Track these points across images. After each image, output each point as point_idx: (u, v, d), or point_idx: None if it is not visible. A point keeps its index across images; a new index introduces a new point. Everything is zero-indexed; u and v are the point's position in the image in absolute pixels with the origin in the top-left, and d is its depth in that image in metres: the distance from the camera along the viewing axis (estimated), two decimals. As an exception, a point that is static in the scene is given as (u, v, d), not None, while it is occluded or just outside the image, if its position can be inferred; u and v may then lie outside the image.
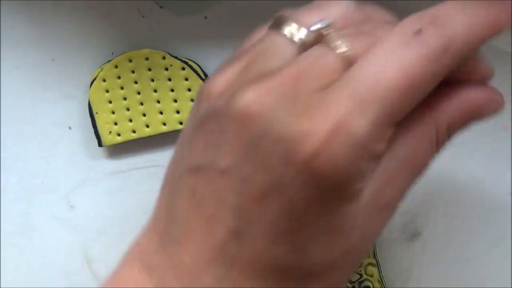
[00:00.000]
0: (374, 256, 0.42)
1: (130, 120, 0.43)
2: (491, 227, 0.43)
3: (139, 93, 0.42)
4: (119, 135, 0.43)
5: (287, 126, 0.23)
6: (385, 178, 0.25)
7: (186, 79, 0.42)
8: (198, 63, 0.43)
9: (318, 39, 0.25)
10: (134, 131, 0.43)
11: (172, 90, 0.42)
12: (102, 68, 0.42)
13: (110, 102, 0.43)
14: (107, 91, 0.42)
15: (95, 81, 0.42)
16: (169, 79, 0.42)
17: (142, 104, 0.43)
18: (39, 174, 0.45)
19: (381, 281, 0.42)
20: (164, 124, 0.43)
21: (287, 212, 0.23)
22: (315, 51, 0.25)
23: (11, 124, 0.44)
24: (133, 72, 0.42)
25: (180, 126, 0.43)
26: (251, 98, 0.23)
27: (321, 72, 0.24)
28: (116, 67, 0.42)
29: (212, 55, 0.43)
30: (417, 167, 0.27)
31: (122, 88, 0.42)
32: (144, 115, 0.43)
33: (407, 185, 0.27)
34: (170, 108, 0.42)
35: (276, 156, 0.23)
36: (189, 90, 0.42)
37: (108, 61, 0.42)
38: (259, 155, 0.23)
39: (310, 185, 0.23)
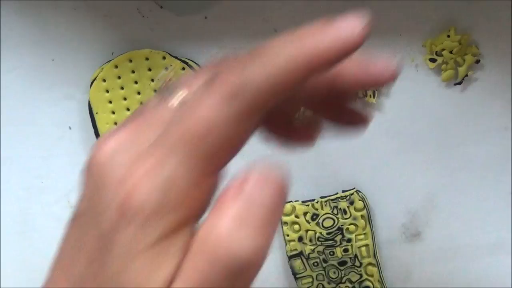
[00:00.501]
0: (374, 256, 0.42)
1: (130, 120, 0.43)
2: (491, 227, 0.43)
3: (139, 93, 0.42)
4: (119, 135, 0.43)
5: (114, 172, 0.26)
6: None
7: (186, 79, 0.42)
8: (198, 63, 0.43)
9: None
10: (134, 131, 0.43)
11: (172, 90, 0.42)
12: (102, 68, 0.42)
13: (110, 102, 0.43)
14: (107, 91, 0.42)
15: (95, 81, 0.42)
16: (169, 79, 0.42)
17: (142, 104, 0.43)
18: (39, 174, 0.45)
19: (381, 281, 0.42)
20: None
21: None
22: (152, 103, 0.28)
23: (11, 124, 0.44)
24: (133, 72, 0.42)
25: (180, 126, 0.43)
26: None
27: (152, 123, 0.27)
28: (116, 67, 0.42)
29: (212, 55, 0.43)
30: None
31: (122, 88, 0.42)
32: (144, 115, 0.43)
33: None
34: (170, 108, 0.42)
35: (105, 195, 0.26)
36: (189, 90, 0.42)
37: (108, 61, 0.42)
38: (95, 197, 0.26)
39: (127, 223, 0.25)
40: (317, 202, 0.42)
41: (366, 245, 0.42)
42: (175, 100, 0.27)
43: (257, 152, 0.44)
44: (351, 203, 0.42)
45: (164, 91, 0.28)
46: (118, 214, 0.25)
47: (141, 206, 0.25)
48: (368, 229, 0.41)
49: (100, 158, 0.27)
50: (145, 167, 0.25)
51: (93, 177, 0.27)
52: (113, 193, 0.26)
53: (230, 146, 0.27)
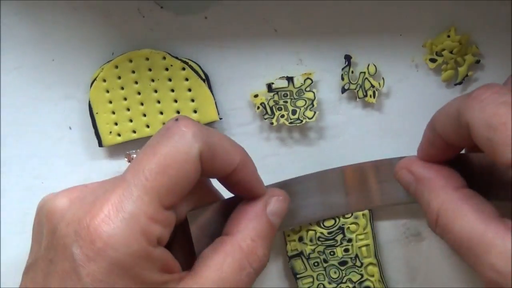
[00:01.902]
0: (375, 255, 0.42)
1: (131, 120, 0.43)
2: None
3: (139, 93, 0.42)
4: (119, 135, 0.43)
5: (76, 212, 0.30)
6: None
7: (186, 79, 0.42)
8: (198, 63, 0.43)
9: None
10: (134, 131, 0.43)
11: (172, 90, 0.42)
12: (102, 68, 0.42)
13: (111, 102, 0.43)
14: (108, 91, 0.42)
15: (95, 81, 0.42)
16: (169, 79, 0.42)
17: (142, 104, 0.43)
18: (39, 174, 0.45)
19: (382, 281, 0.42)
20: (164, 124, 0.43)
21: None
22: None
23: (11, 124, 0.44)
24: (133, 72, 0.42)
25: (180, 126, 0.42)
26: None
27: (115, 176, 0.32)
28: (117, 67, 0.42)
29: (212, 55, 0.43)
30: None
31: (122, 88, 0.42)
32: (145, 115, 0.43)
33: None
34: (171, 108, 0.42)
35: (69, 236, 0.29)
36: (189, 90, 0.42)
37: (108, 61, 0.42)
38: (58, 237, 0.30)
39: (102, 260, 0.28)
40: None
41: (367, 245, 0.42)
42: None
43: (257, 152, 0.44)
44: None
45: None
46: (86, 246, 0.28)
47: (108, 236, 0.28)
48: (369, 228, 0.41)
49: (55, 209, 0.31)
50: (108, 204, 0.28)
51: (49, 224, 0.30)
52: (78, 230, 0.28)
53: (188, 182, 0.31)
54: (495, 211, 0.30)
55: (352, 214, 0.42)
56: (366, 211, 0.41)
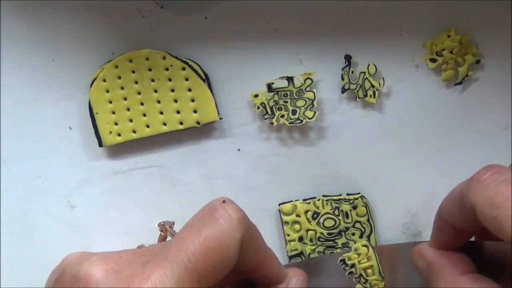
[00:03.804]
0: (380, 274, 0.42)
1: (131, 120, 0.43)
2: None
3: (139, 93, 0.42)
4: (119, 135, 0.43)
5: (113, 285, 0.30)
6: None
7: (187, 79, 0.42)
8: (198, 63, 0.43)
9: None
10: (134, 131, 0.43)
11: (173, 90, 0.42)
12: (102, 68, 0.42)
13: (111, 102, 0.43)
14: (108, 91, 0.42)
15: (95, 81, 0.42)
16: (170, 79, 0.42)
17: (142, 104, 0.43)
18: (39, 174, 0.45)
19: (381, 281, 0.42)
20: (165, 124, 0.43)
21: None
22: None
23: (11, 124, 0.44)
24: (133, 72, 0.42)
25: (180, 126, 0.42)
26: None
27: (151, 249, 0.32)
28: (117, 67, 0.42)
29: (212, 55, 0.43)
30: None
31: (122, 88, 0.42)
32: (145, 115, 0.43)
33: None
34: (171, 108, 0.42)
35: None
36: (190, 90, 0.42)
37: (108, 61, 0.42)
38: None
39: None
40: (318, 200, 0.42)
41: (371, 266, 0.41)
42: None
43: (257, 152, 0.44)
44: (354, 207, 0.42)
45: None
46: None
47: None
48: (371, 252, 0.41)
49: (89, 277, 0.30)
50: (149, 282, 0.29)
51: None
52: None
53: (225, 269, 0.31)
54: None
55: (352, 220, 0.42)
56: (365, 242, 0.41)
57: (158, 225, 0.37)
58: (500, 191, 0.28)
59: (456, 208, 0.32)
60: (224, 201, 0.31)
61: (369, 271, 0.41)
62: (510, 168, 0.30)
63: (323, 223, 0.42)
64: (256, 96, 0.42)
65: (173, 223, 0.37)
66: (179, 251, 0.30)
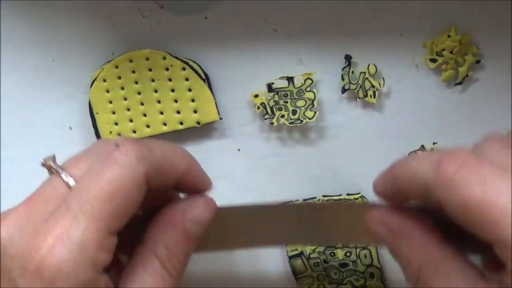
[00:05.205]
0: (378, 261, 0.42)
1: (131, 120, 0.43)
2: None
3: (139, 93, 0.42)
4: (119, 135, 0.43)
5: (18, 246, 0.29)
6: None
7: (187, 79, 0.42)
8: (198, 63, 0.43)
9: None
10: (134, 131, 0.43)
11: (173, 90, 0.42)
12: (103, 68, 0.42)
13: (111, 102, 0.43)
14: (108, 91, 0.42)
15: (95, 81, 0.42)
16: (170, 79, 0.42)
17: (142, 104, 0.43)
18: (39, 174, 0.45)
19: (383, 282, 0.42)
20: (165, 124, 0.43)
21: None
22: (46, 182, 0.33)
23: (11, 124, 0.44)
24: (133, 72, 0.42)
25: (180, 126, 0.42)
26: None
27: (48, 197, 0.32)
28: (117, 67, 0.42)
29: (212, 55, 0.43)
30: None
31: (122, 88, 0.42)
32: (145, 115, 0.43)
33: None
34: (171, 108, 0.42)
35: (14, 270, 0.29)
36: (190, 90, 0.42)
37: (109, 61, 0.42)
38: (3, 272, 0.29)
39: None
40: (318, 200, 0.42)
41: (368, 251, 0.42)
42: (66, 177, 0.32)
43: (257, 152, 0.44)
44: (354, 207, 0.42)
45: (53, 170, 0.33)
46: (33, 279, 0.28)
47: (57, 268, 0.28)
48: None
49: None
50: (54, 235, 0.28)
51: None
52: (23, 263, 0.28)
53: (129, 210, 0.30)
54: (478, 271, 0.30)
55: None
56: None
57: (43, 165, 0.35)
58: (472, 194, 0.27)
59: (418, 192, 0.30)
60: (117, 144, 0.31)
61: (364, 255, 0.41)
62: (475, 152, 0.28)
63: (323, 223, 0.42)
64: (256, 96, 0.42)
65: (54, 156, 0.35)
66: (82, 200, 0.29)
